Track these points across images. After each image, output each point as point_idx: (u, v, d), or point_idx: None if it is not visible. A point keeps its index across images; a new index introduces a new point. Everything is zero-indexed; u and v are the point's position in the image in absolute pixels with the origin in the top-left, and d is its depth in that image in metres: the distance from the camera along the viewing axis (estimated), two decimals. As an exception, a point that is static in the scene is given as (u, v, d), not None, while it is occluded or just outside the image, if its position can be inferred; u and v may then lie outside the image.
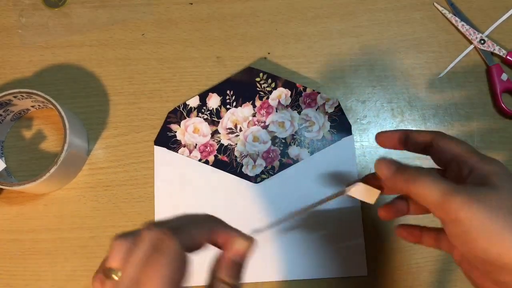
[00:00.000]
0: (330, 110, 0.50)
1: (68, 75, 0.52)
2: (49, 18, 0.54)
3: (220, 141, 0.49)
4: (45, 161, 0.49)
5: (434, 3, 0.54)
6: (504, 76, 0.51)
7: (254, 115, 0.50)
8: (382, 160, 0.32)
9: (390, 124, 0.51)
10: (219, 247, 0.30)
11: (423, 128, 0.51)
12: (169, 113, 0.50)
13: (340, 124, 0.50)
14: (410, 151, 0.35)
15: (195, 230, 0.27)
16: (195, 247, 0.27)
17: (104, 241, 0.48)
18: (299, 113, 0.50)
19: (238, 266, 0.29)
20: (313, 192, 0.48)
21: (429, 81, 0.52)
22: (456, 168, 0.31)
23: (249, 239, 0.29)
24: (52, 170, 0.44)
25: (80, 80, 0.52)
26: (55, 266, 0.47)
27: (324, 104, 0.50)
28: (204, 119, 0.50)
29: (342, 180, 0.49)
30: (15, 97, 0.46)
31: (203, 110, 0.50)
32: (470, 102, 0.52)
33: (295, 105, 0.50)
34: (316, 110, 0.50)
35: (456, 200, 0.27)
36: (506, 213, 0.27)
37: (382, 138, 0.36)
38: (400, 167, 0.31)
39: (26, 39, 0.53)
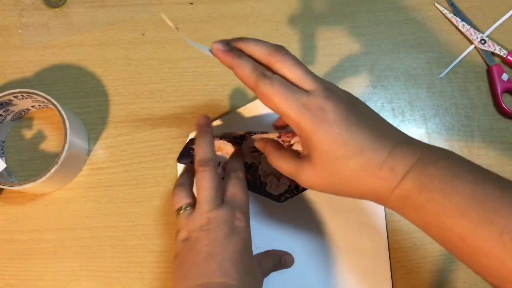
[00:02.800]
0: None
1: (68, 75, 0.52)
2: (49, 18, 0.53)
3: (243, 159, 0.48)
4: (46, 161, 0.49)
5: (435, 3, 0.54)
6: (505, 76, 0.51)
7: (279, 137, 0.46)
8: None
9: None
10: None
11: (423, 129, 0.51)
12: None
13: None
14: None
15: None
16: None
17: (104, 241, 0.47)
18: None
19: None
20: (334, 217, 0.47)
21: (429, 81, 0.52)
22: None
23: None
24: (52, 170, 0.44)
25: (80, 80, 0.52)
26: (55, 266, 0.47)
27: None
28: (228, 141, 0.48)
29: (364, 206, 0.48)
30: (15, 97, 0.46)
31: (226, 136, 0.48)
32: (471, 102, 0.52)
33: None
34: None
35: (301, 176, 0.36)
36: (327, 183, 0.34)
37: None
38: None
39: (26, 39, 0.53)
